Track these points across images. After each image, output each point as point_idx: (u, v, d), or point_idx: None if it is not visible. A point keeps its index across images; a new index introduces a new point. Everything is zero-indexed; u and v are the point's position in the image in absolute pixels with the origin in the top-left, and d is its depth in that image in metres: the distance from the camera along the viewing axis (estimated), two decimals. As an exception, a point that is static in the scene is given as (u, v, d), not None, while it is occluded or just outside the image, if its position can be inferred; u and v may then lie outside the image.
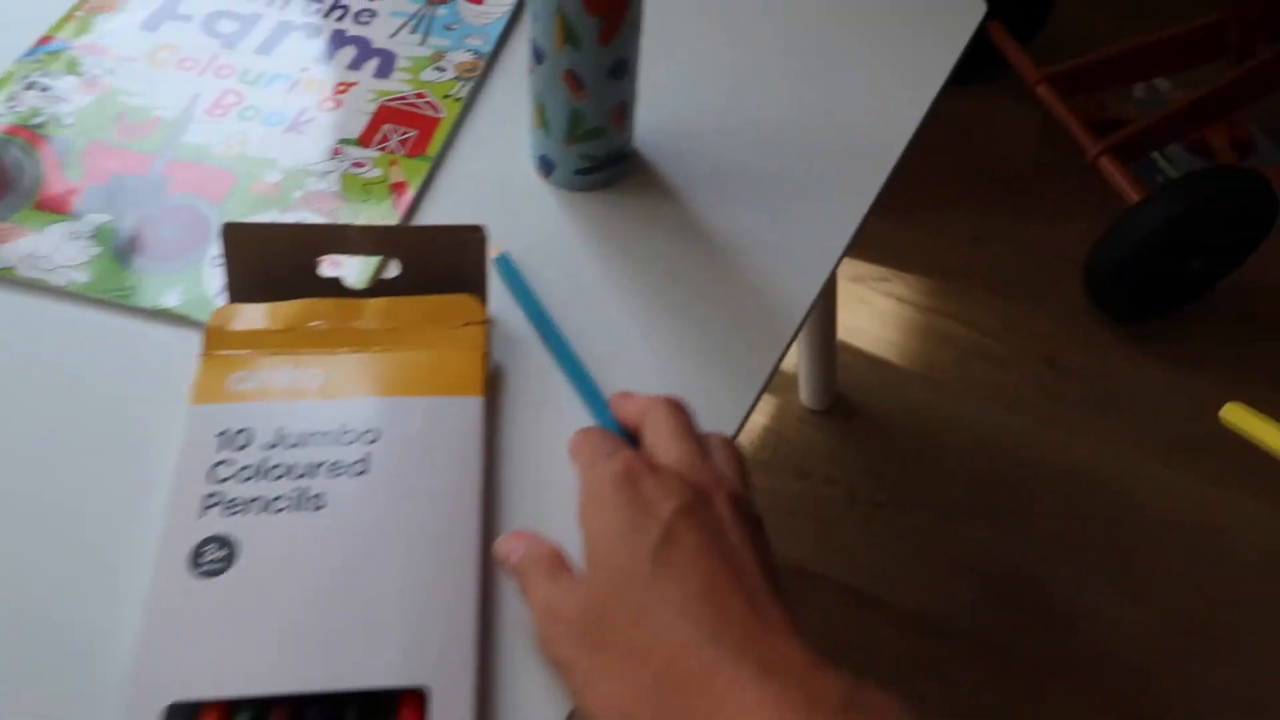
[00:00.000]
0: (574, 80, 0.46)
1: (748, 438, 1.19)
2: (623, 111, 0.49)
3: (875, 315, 1.33)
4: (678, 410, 0.39)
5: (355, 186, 0.51)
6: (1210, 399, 1.23)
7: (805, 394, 1.21)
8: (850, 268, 1.37)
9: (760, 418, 1.21)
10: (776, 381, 1.17)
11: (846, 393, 1.24)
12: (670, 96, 0.56)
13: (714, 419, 0.42)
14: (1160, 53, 1.43)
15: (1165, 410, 1.25)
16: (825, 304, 1.11)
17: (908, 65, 0.59)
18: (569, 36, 0.44)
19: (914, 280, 1.37)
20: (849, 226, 0.50)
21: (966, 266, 1.39)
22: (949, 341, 1.31)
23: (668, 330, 0.46)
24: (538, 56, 0.46)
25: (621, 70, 0.47)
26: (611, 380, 0.44)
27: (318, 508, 0.37)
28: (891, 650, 1.05)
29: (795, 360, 1.19)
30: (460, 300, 0.43)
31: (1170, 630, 1.07)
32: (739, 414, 0.43)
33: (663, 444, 0.38)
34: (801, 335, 1.14)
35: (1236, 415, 0.44)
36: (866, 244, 1.40)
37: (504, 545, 0.38)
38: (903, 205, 1.44)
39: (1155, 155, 1.55)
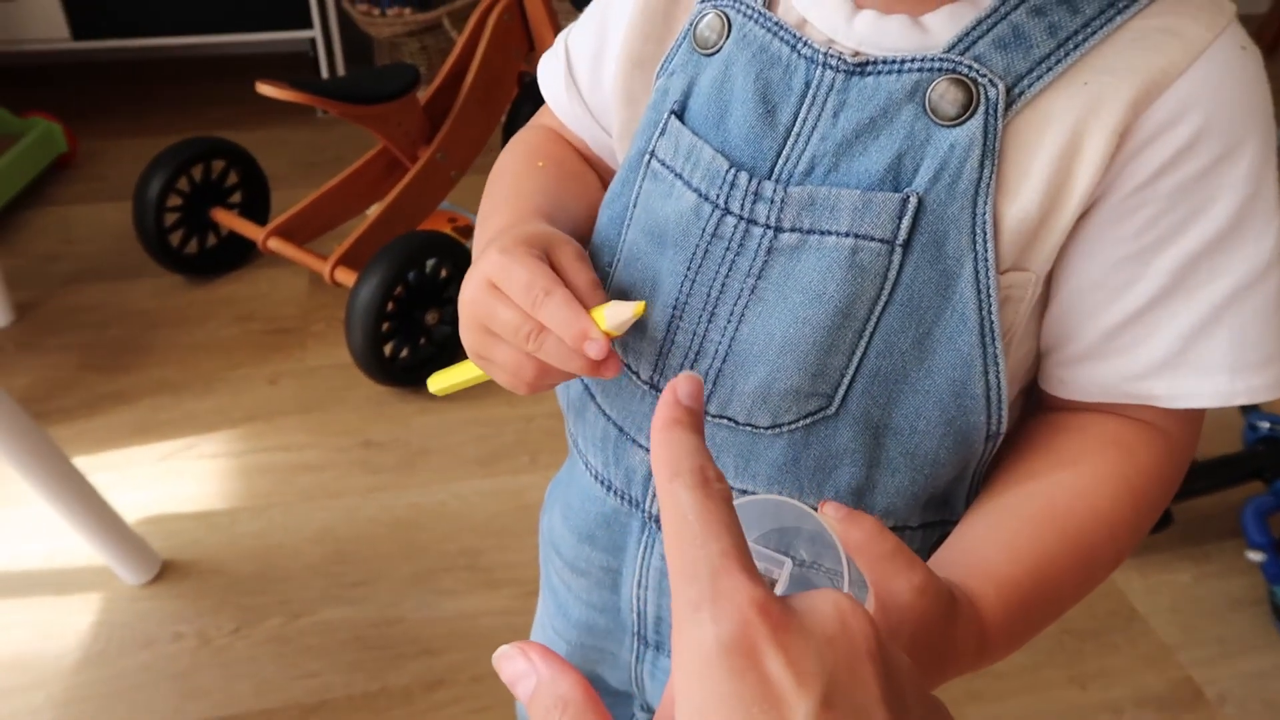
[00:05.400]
0: None
1: (76, 636, 1.12)
2: None
3: (194, 478, 1.35)
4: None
5: None
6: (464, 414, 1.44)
7: (123, 572, 1.18)
8: (157, 449, 1.39)
9: (87, 615, 1.15)
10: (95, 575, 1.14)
11: (175, 557, 1.23)
12: None
13: None
14: (357, 184, 1.69)
15: (465, 439, 1.43)
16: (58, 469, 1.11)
17: None
18: None
19: (221, 435, 1.42)
20: None
21: (267, 404, 1.49)
22: (268, 470, 1.37)
23: None
24: None
25: None
26: None
27: None
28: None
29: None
30: None
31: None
32: None
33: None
34: (79, 526, 1.12)
35: (442, 380, 0.52)
36: (163, 423, 1.43)
37: (507, 666, 0.28)
38: (198, 380, 1.51)
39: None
